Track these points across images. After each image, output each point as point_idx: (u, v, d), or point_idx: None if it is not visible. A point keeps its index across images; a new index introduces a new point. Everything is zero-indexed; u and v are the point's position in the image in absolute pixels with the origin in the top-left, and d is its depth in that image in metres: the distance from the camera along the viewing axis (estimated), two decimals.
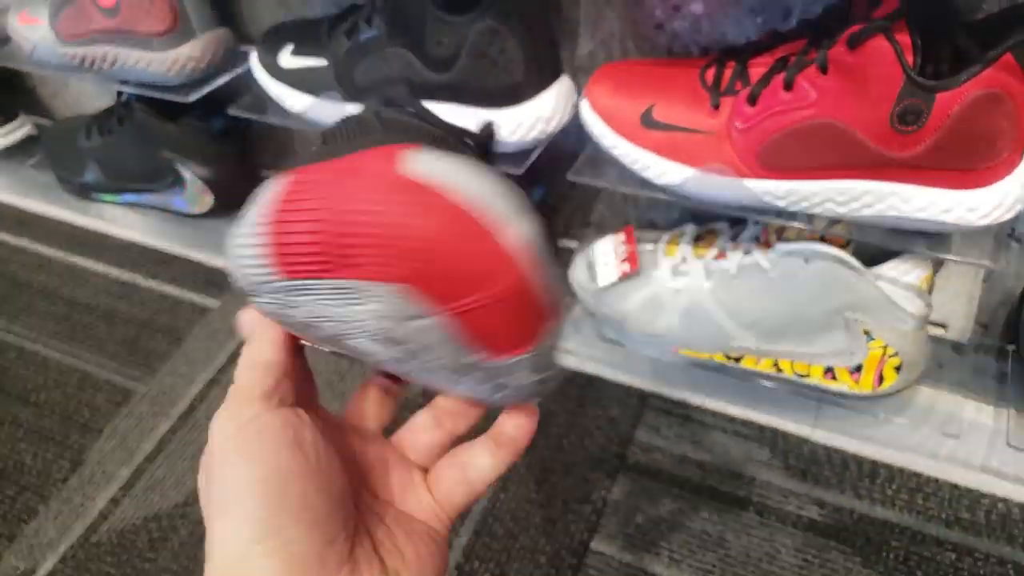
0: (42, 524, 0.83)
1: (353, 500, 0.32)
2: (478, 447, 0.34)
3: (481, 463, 0.34)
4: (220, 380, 0.91)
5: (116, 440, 0.89)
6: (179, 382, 0.92)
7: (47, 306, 1.01)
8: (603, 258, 0.72)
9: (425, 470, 0.35)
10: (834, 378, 0.68)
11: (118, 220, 1.00)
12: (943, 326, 0.75)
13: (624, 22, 0.64)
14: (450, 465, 0.35)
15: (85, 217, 1.04)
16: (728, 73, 0.58)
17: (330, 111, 0.67)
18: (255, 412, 0.30)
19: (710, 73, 0.58)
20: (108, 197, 0.91)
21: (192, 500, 0.83)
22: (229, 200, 0.84)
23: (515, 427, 0.33)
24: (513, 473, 0.81)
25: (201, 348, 0.94)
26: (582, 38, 0.67)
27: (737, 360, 0.70)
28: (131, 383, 0.94)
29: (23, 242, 1.10)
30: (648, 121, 0.59)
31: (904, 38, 0.49)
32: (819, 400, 0.78)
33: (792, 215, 0.60)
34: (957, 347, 0.75)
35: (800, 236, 0.65)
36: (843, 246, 0.63)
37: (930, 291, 0.64)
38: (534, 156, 0.65)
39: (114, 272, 1.02)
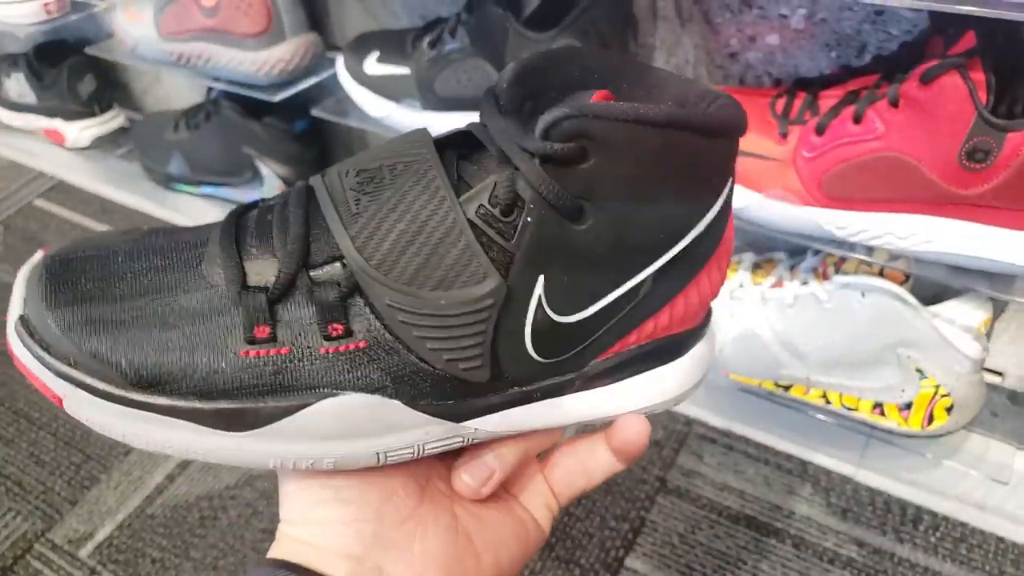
0: (103, 492, 0.86)
1: (442, 464, 0.33)
2: (600, 442, 0.34)
3: (602, 457, 0.34)
4: None
5: None
6: None
7: None
8: None
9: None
10: (883, 414, 0.68)
11: (195, 211, 1.05)
12: (1000, 374, 0.74)
13: (699, 49, 0.66)
14: (570, 454, 0.35)
15: (163, 207, 1.09)
16: (798, 103, 0.59)
17: (409, 118, 0.70)
18: None
19: (780, 102, 0.60)
20: (188, 188, 0.96)
21: (242, 484, 0.86)
22: None
23: (634, 434, 0.33)
24: None
25: None
26: (657, 62, 0.69)
27: (786, 388, 0.71)
28: None
29: (105, 228, 1.16)
30: None
31: (978, 76, 0.50)
32: (866, 438, 0.77)
33: (852, 247, 0.60)
34: (1013, 396, 0.74)
35: (859, 269, 0.66)
36: (902, 282, 0.63)
37: (988, 335, 0.64)
38: None
39: None
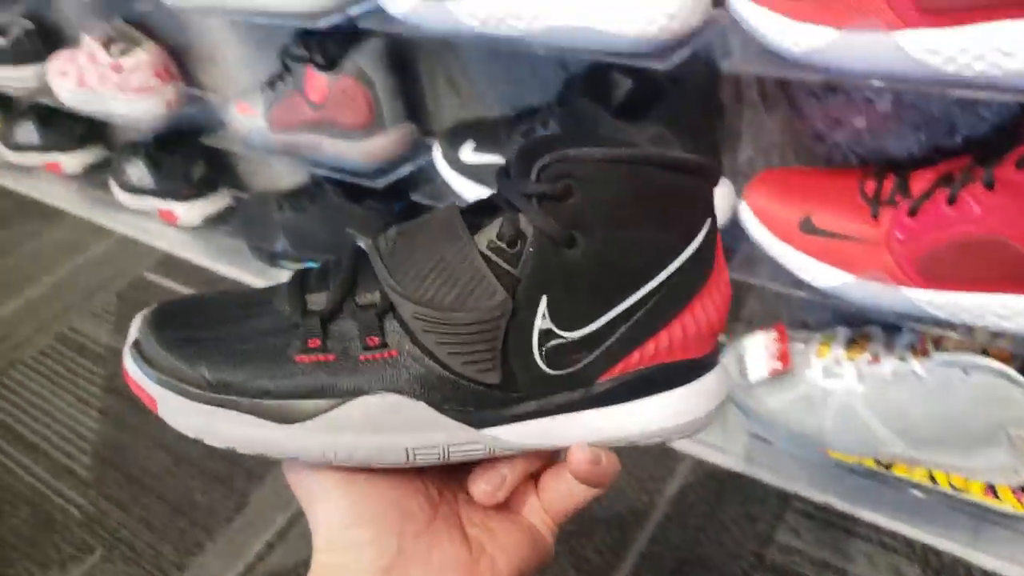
0: (207, 559, 0.91)
1: (446, 483, 0.38)
2: None
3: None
4: None
5: (277, 488, 0.97)
6: None
7: None
8: (754, 354, 0.74)
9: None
10: (996, 496, 0.66)
11: None
12: None
13: (784, 132, 0.67)
14: (556, 476, 0.39)
15: (268, 281, 1.16)
16: (888, 185, 0.60)
17: None
18: None
19: (870, 184, 0.60)
20: (291, 265, 1.02)
21: None
22: None
23: (578, 460, 0.36)
24: (647, 559, 0.82)
25: None
26: (743, 145, 0.71)
27: (888, 467, 0.69)
28: None
29: None
30: (807, 227, 0.62)
31: None
32: (979, 518, 0.74)
33: (951, 325, 0.60)
34: None
35: (960, 346, 0.65)
36: (1007, 360, 0.62)
37: None
38: None
39: None
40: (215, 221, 1.18)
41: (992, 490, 0.66)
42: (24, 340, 1.26)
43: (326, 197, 0.93)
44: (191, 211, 1.15)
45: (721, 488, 0.87)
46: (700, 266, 0.36)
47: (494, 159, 0.74)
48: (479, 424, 0.35)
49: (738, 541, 0.82)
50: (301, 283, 0.37)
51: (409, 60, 0.87)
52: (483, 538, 0.37)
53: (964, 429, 0.64)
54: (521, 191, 0.34)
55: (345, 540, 0.35)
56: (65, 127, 1.34)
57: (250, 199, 1.11)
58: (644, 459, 0.91)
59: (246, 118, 0.93)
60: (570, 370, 0.36)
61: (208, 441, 0.35)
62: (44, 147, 1.36)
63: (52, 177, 1.45)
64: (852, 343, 0.72)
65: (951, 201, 0.55)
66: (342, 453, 0.35)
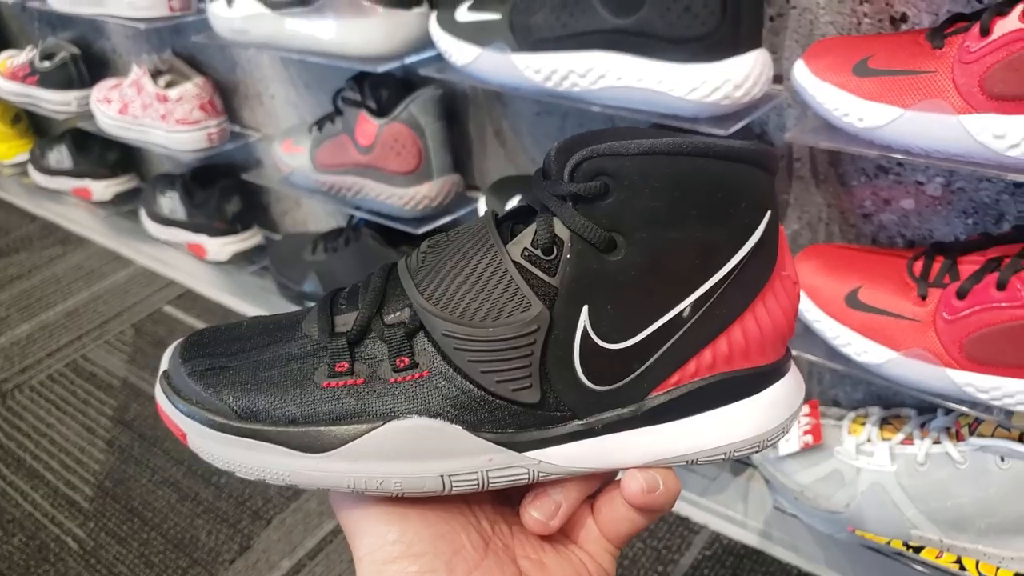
0: None
1: (498, 512, 0.36)
2: None
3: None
4: None
5: (283, 532, 0.94)
6: None
7: None
8: None
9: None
10: None
11: None
12: None
13: (832, 208, 0.69)
14: (614, 498, 0.36)
15: None
16: (936, 266, 0.61)
17: None
18: None
19: (918, 264, 0.62)
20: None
21: None
22: None
23: (634, 490, 0.34)
24: None
25: None
26: (790, 218, 0.72)
27: (917, 550, 0.68)
28: None
29: None
30: (853, 302, 0.62)
31: None
32: None
33: (989, 410, 0.60)
34: None
35: (996, 432, 0.65)
36: None
37: None
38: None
39: None
40: (243, 259, 1.18)
41: None
42: (34, 364, 1.25)
43: (361, 240, 0.94)
44: (221, 247, 1.15)
45: (738, 564, 0.85)
46: (761, 264, 0.33)
47: None
48: (520, 447, 0.33)
49: None
50: (331, 304, 0.36)
51: (459, 112, 0.89)
52: (535, 574, 0.35)
53: (999, 516, 0.64)
54: (554, 192, 0.32)
55: (390, 573, 0.33)
56: (99, 154, 1.36)
57: (284, 238, 1.12)
58: (660, 528, 0.89)
59: (291, 156, 0.94)
60: (617, 385, 0.33)
61: (239, 473, 0.33)
62: (75, 173, 1.38)
63: (79, 203, 1.46)
64: (885, 423, 0.72)
65: (1001, 286, 0.56)
66: (373, 482, 0.33)
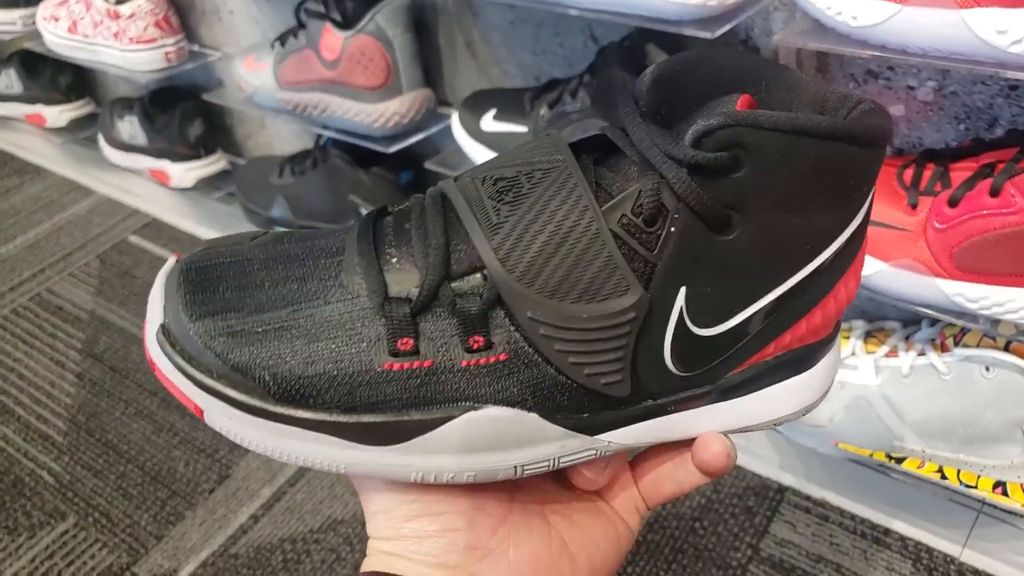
0: (188, 529, 0.87)
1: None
2: (689, 455, 0.34)
3: (691, 468, 0.34)
4: None
5: (262, 460, 0.94)
6: None
7: None
8: None
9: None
10: (1005, 494, 0.65)
11: None
12: None
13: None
14: (663, 460, 0.34)
15: None
16: (928, 174, 0.59)
17: None
18: None
19: (908, 172, 0.60)
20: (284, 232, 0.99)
21: (327, 528, 0.86)
22: None
23: (713, 454, 0.32)
24: (644, 550, 0.81)
25: None
26: None
27: (899, 461, 0.69)
28: None
29: None
30: None
31: None
32: (976, 515, 0.75)
33: (975, 319, 0.59)
34: None
35: (981, 343, 0.64)
36: None
37: None
38: None
39: None
40: (208, 185, 1.13)
41: (1002, 487, 0.65)
42: None
43: (330, 162, 0.90)
44: (185, 172, 1.11)
45: (719, 480, 0.86)
46: (855, 243, 0.30)
47: (516, 128, 0.72)
48: (593, 430, 0.30)
49: (734, 533, 0.81)
50: (374, 244, 0.30)
51: (428, 24, 0.84)
52: (564, 530, 0.33)
53: (981, 425, 0.64)
54: (671, 154, 0.27)
55: (407, 530, 0.30)
56: (51, 77, 1.29)
57: (250, 162, 1.08)
58: None
59: (253, 74, 0.89)
60: (700, 371, 0.30)
61: (275, 457, 0.29)
62: (27, 98, 1.31)
63: (33, 130, 1.39)
64: (869, 336, 0.71)
65: (994, 192, 0.54)
66: (445, 475, 0.29)
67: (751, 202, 0.27)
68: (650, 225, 0.28)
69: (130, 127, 1.13)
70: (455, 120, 0.77)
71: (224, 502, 0.90)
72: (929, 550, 0.78)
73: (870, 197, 0.30)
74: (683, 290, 0.28)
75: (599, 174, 0.29)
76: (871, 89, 0.63)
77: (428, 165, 0.82)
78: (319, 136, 0.95)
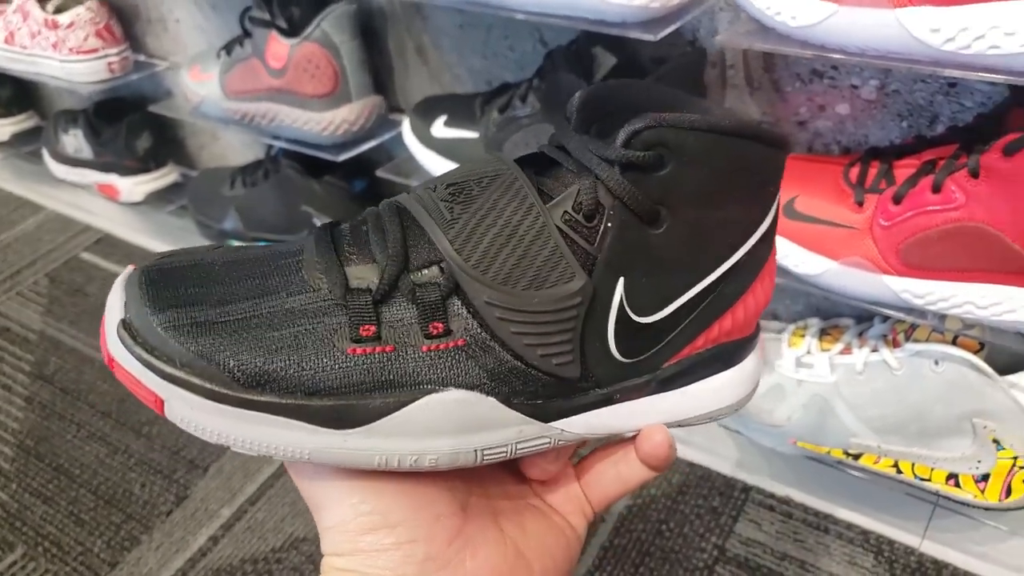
0: (144, 554, 0.85)
1: (473, 475, 0.34)
2: (632, 449, 0.35)
3: (635, 464, 0.35)
4: None
5: (221, 479, 0.91)
6: None
7: None
8: None
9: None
10: (958, 485, 0.66)
11: None
12: None
13: (767, 117, 0.67)
14: (605, 460, 0.36)
15: None
16: (873, 172, 0.59)
17: None
18: None
19: (854, 171, 0.60)
20: (241, 244, 0.97)
21: (290, 546, 0.85)
22: None
23: (655, 444, 0.34)
24: (610, 552, 0.80)
25: None
26: None
27: (856, 457, 0.69)
28: None
29: None
30: (790, 212, 0.61)
31: None
32: (932, 507, 0.75)
33: (924, 315, 0.60)
34: None
35: (930, 337, 0.65)
36: (976, 350, 0.63)
37: None
38: None
39: None
40: (160, 198, 1.11)
41: (954, 479, 0.66)
42: None
43: (281, 172, 0.89)
44: (134, 186, 1.08)
45: (684, 480, 0.86)
46: (766, 245, 0.34)
47: (467, 134, 0.71)
48: (546, 417, 0.32)
49: (700, 534, 0.81)
50: (334, 246, 0.31)
51: (377, 30, 0.83)
52: (518, 539, 0.34)
53: (932, 419, 0.64)
54: (603, 155, 0.30)
55: (363, 543, 0.30)
56: None
57: (201, 174, 1.05)
58: None
59: (199, 84, 0.87)
60: (642, 357, 0.33)
61: (236, 448, 0.29)
62: None
63: None
64: (824, 334, 0.72)
65: (936, 189, 0.55)
66: (408, 459, 0.30)
67: (676, 197, 0.30)
68: (589, 220, 0.30)
69: (75, 141, 1.10)
70: (406, 127, 0.76)
71: (182, 524, 0.88)
72: (890, 542, 0.78)
73: (776, 200, 0.33)
74: (622, 280, 0.31)
75: (540, 181, 0.32)
76: (816, 88, 0.63)
77: (380, 173, 0.81)
78: (270, 146, 0.93)
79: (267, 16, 0.79)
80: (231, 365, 0.28)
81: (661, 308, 0.32)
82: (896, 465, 0.68)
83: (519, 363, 0.31)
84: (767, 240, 0.34)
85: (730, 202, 0.31)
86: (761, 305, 0.35)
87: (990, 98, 0.58)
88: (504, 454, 0.32)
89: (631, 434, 0.35)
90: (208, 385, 0.28)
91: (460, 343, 0.30)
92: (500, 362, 0.30)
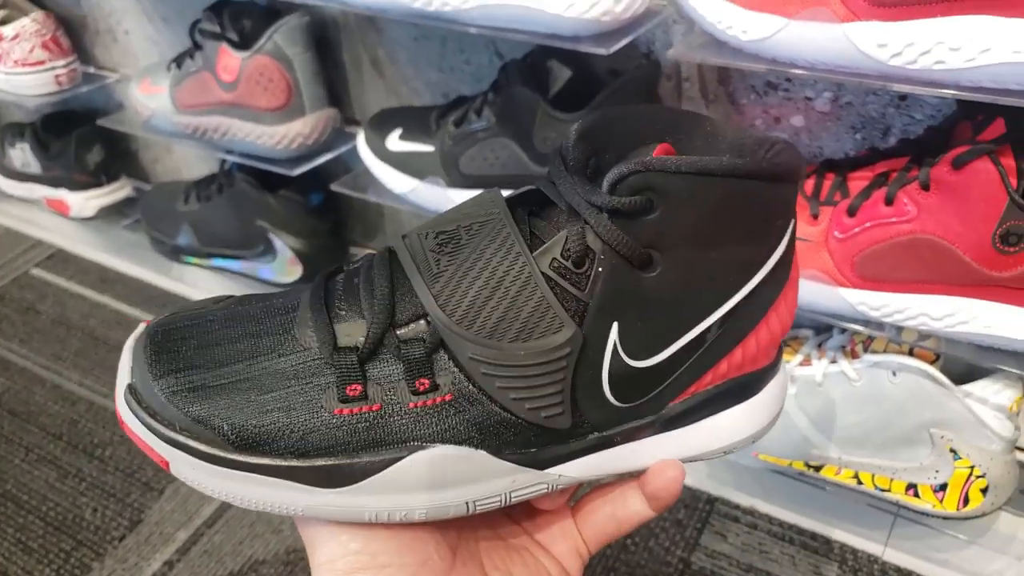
0: None
1: (464, 520, 0.34)
2: (631, 490, 0.34)
3: (634, 505, 0.34)
4: None
5: (177, 501, 0.89)
6: None
7: None
8: None
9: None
10: (917, 495, 0.66)
11: (200, 284, 1.04)
12: None
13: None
14: (602, 500, 0.35)
15: (168, 279, 1.08)
16: (827, 184, 0.59)
17: (433, 195, 0.70)
18: None
19: (809, 183, 0.60)
20: (196, 260, 0.95)
21: (248, 570, 0.83)
22: (316, 272, 0.87)
23: (668, 479, 0.33)
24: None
25: None
26: None
27: (817, 469, 0.69)
28: None
29: (105, 299, 1.13)
30: None
31: (1009, 162, 0.50)
32: (894, 516, 0.76)
33: (880, 326, 0.60)
34: None
35: (888, 348, 0.65)
36: (932, 361, 0.63)
37: (1018, 414, 0.63)
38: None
39: None
40: (113, 213, 1.08)
41: (913, 489, 0.66)
42: None
43: (236, 186, 0.87)
44: (85, 201, 1.05)
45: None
46: (780, 274, 0.32)
47: (423, 148, 0.70)
48: (542, 464, 0.31)
49: (666, 547, 0.81)
50: (325, 302, 0.32)
51: (331, 42, 0.82)
52: None
53: (891, 430, 0.65)
54: (591, 201, 0.29)
55: None
56: None
57: (154, 188, 1.03)
58: None
59: (149, 97, 0.85)
60: (641, 401, 0.32)
61: (236, 504, 0.30)
62: None
63: None
64: (785, 345, 0.72)
65: (889, 201, 0.55)
66: (398, 514, 0.30)
67: (668, 240, 0.29)
68: (579, 266, 0.30)
69: (22, 155, 1.07)
70: (360, 140, 0.75)
71: (136, 549, 0.85)
72: (854, 551, 0.78)
73: (790, 229, 0.32)
74: (615, 325, 0.30)
75: (533, 223, 0.31)
76: (771, 100, 0.63)
77: (335, 187, 0.79)
78: (224, 160, 0.92)
79: (218, 29, 0.77)
80: (225, 429, 0.29)
81: (659, 351, 0.31)
82: (857, 476, 0.68)
83: (508, 415, 0.30)
84: (780, 271, 0.32)
85: (728, 241, 0.30)
86: (778, 335, 0.34)
87: (940, 111, 0.58)
88: (498, 502, 0.32)
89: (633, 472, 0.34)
90: (205, 448, 0.29)
91: (447, 398, 0.30)
92: (488, 415, 0.30)
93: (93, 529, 0.87)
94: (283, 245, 0.86)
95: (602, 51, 0.55)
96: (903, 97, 0.59)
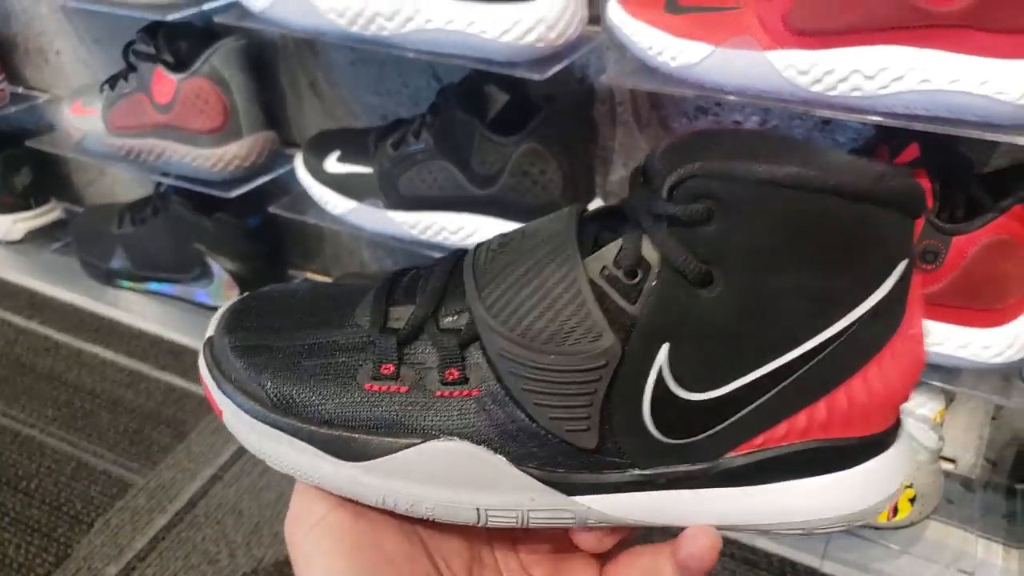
0: None
1: (473, 559, 0.33)
2: (664, 553, 0.31)
3: (665, 570, 0.30)
4: (223, 476, 0.89)
5: (107, 535, 0.86)
6: (180, 476, 0.90)
7: (49, 390, 0.99)
8: None
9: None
10: None
11: (134, 308, 1.01)
12: (952, 461, 0.76)
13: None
14: (631, 563, 0.32)
15: (100, 303, 1.05)
16: None
17: (371, 216, 0.70)
18: (326, 509, 0.31)
19: None
20: (131, 284, 0.93)
21: None
22: None
23: (701, 548, 0.29)
24: None
25: (206, 442, 0.93)
26: (615, 165, 0.71)
27: None
28: (129, 475, 0.91)
29: (32, 324, 1.09)
30: (672, 7, 0.55)
31: (924, 183, 0.53)
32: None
33: (807, 102, 0.51)
34: (966, 483, 0.76)
35: None
36: None
37: (942, 425, 0.66)
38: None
39: (122, 360, 1.01)
40: (42, 236, 1.05)
41: None
42: None
43: (171, 209, 0.86)
44: (13, 224, 1.02)
45: None
46: (884, 321, 0.28)
47: (361, 169, 0.70)
48: (569, 490, 0.29)
49: None
50: (389, 290, 0.32)
51: (269, 64, 0.81)
52: None
53: None
54: (648, 208, 0.27)
55: None
56: None
57: (86, 211, 1.01)
58: None
59: (81, 119, 0.84)
60: (690, 440, 0.28)
61: (270, 463, 0.30)
62: None
63: None
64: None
65: None
66: (404, 503, 0.29)
67: (728, 257, 0.26)
68: (631, 277, 0.28)
69: None
70: (298, 162, 0.75)
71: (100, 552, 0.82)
72: (792, 564, 0.80)
73: (901, 269, 0.27)
74: (665, 347, 0.27)
75: (601, 234, 0.29)
76: (702, 124, 0.65)
77: (273, 209, 0.78)
78: (159, 183, 0.90)
79: (152, 50, 0.76)
80: (268, 386, 0.30)
81: (716, 385, 0.27)
82: None
83: (531, 423, 0.28)
84: (885, 317, 0.28)
85: (803, 268, 0.26)
86: (883, 397, 0.29)
87: (860, 134, 0.61)
88: (515, 520, 0.30)
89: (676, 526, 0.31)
90: (249, 402, 0.30)
91: (475, 393, 0.29)
92: (513, 420, 0.28)
93: (16, 567, 0.83)
94: (220, 268, 0.84)
95: (536, 76, 0.56)
96: (826, 121, 0.61)
